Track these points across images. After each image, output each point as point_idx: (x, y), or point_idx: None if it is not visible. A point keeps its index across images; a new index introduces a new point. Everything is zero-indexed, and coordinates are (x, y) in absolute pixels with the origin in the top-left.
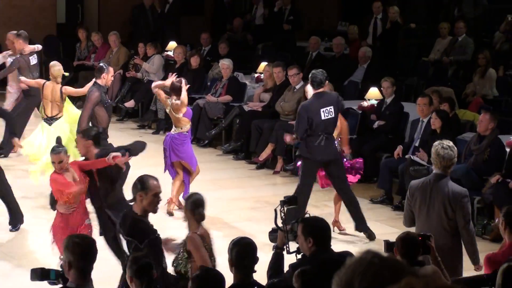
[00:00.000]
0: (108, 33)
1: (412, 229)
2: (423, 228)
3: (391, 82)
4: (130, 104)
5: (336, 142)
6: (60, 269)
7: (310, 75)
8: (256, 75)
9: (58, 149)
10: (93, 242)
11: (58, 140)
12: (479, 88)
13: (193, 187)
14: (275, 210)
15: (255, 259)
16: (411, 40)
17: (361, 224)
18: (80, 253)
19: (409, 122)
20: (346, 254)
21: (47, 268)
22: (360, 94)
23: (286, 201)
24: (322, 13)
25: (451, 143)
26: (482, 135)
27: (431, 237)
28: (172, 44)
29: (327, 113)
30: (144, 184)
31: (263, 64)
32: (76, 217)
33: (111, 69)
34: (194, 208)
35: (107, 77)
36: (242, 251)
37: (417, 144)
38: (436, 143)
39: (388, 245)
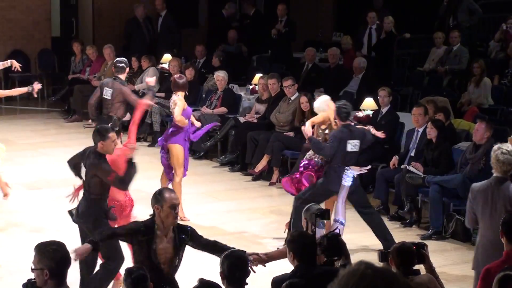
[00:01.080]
0: (103, 47)
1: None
2: (487, 229)
3: (388, 92)
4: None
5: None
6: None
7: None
8: (251, 86)
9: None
10: (65, 245)
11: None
12: (475, 97)
13: (189, 200)
14: (307, 223)
15: (246, 272)
16: (406, 50)
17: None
18: (60, 259)
19: (404, 132)
20: (335, 270)
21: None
22: (355, 104)
23: (318, 214)
24: (317, 24)
25: (510, 147)
26: (478, 144)
27: (426, 246)
28: (167, 57)
29: (353, 146)
30: (159, 197)
31: (257, 76)
32: (119, 192)
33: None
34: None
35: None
36: (234, 264)
37: (412, 154)
38: (495, 147)
39: (382, 254)
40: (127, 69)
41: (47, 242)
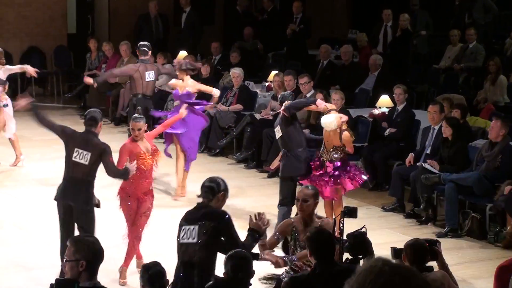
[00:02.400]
0: (118, 43)
1: None
2: None
3: (404, 89)
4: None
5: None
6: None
7: None
8: (266, 83)
9: (138, 117)
10: (98, 240)
11: (138, 111)
12: (490, 95)
13: None
14: (334, 220)
15: (250, 272)
16: (422, 48)
17: None
18: (97, 252)
19: (420, 129)
20: (352, 267)
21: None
22: (371, 102)
23: (346, 212)
24: (333, 21)
25: None
26: (494, 142)
27: (439, 243)
28: (182, 54)
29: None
30: (226, 185)
31: (273, 73)
32: (144, 183)
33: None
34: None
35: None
36: (237, 265)
37: (428, 152)
38: None
39: (396, 251)
40: (149, 52)
41: (84, 235)
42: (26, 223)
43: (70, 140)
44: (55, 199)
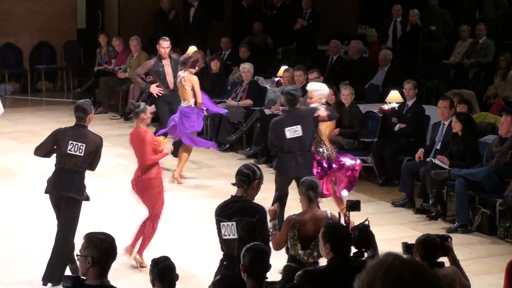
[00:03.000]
0: (128, 38)
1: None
2: None
3: (413, 85)
4: (150, 108)
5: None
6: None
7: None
8: (276, 79)
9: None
10: (114, 239)
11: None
12: (501, 90)
13: (215, 192)
14: (339, 213)
15: (267, 266)
16: (432, 43)
17: None
18: (106, 249)
19: (430, 125)
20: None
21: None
22: (380, 97)
23: (350, 205)
24: (342, 17)
25: None
26: (504, 137)
27: (450, 238)
28: (192, 49)
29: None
30: (261, 172)
31: (282, 68)
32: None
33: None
34: (305, 190)
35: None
36: (254, 258)
37: (438, 147)
38: None
39: (407, 247)
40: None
41: (97, 232)
42: (37, 217)
43: (63, 137)
44: (46, 192)
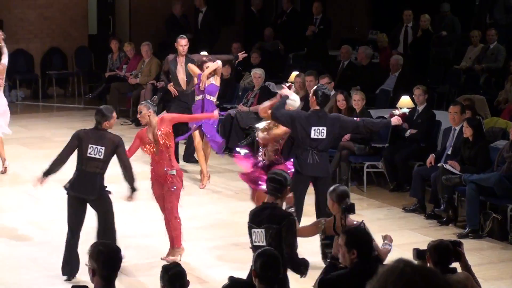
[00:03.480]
0: (139, 44)
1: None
2: None
3: (423, 90)
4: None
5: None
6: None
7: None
8: (287, 84)
9: (143, 102)
10: (116, 250)
11: (155, 99)
12: (511, 96)
13: (229, 196)
14: (334, 217)
15: (279, 271)
16: (443, 48)
17: None
18: (103, 261)
19: (441, 130)
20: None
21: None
22: (391, 102)
23: (346, 208)
24: (353, 22)
25: None
26: None
27: (461, 244)
28: (203, 54)
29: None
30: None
31: (294, 74)
32: (160, 168)
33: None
34: (339, 200)
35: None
36: (266, 263)
37: (449, 152)
38: None
39: (418, 253)
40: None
41: (99, 242)
42: (46, 223)
43: (83, 140)
44: (67, 193)
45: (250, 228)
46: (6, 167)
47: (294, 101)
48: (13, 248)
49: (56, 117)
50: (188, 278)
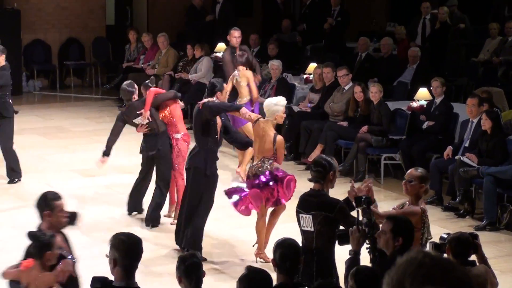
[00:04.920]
0: (156, 35)
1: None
2: None
3: (441, 82)
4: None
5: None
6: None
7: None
8: (305, 76)
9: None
10: (138, 240)
11: (152, 80)
12: None
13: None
14: (357, 211)
15: (298, 262)
16: (461, 41)
17: None
18: (125, 251)
19: (459, 122)
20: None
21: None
22: (409, 94)
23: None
24: (371, 14)
25: None
26: None
27: (478, 236)
28: (221, 46)
29: None
30: (335, 163)
31: (312, 65)
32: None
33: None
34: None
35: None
36: (286, 253)
37: (467, 145)
38: None
39: (436, 246)
40: None
41: (121, 233)
42: None
43: (128, 116)
44: (140, 152)
45: (298, 213)
46: None
47: (277, 105)
48: None
49: (73, 107)
50: (204, 269)
